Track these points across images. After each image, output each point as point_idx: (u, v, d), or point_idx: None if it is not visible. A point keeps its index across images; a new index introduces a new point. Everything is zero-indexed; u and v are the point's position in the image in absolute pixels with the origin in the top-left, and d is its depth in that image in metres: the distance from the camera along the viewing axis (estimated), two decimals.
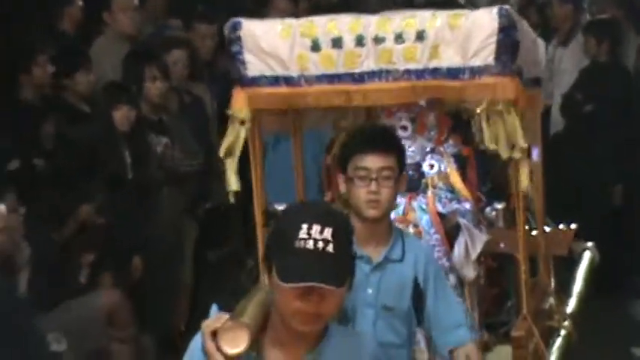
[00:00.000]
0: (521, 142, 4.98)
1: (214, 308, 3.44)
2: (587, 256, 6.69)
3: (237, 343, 3.17)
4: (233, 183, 5.36)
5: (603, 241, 9.81)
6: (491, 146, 5.01)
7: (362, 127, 5.14)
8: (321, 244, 3.21)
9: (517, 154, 5.05)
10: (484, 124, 5.01)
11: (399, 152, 4.80)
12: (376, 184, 4.62)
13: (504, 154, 5.03)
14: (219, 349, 3.18)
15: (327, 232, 3.22)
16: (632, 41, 10.51)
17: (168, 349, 7.89)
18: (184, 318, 8.42)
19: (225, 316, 3.26)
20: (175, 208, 8.26)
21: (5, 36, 8.33)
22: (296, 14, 8.23)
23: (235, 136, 5.28)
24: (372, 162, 4.64)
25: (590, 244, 6.81)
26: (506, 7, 5.11)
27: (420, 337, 5.20)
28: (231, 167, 5.33)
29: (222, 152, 5.32)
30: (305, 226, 3.22)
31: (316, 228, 3.21)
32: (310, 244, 3.21)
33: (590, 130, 9.85)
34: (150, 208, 8.06)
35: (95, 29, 9.03)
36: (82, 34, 8.99)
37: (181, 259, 8.18)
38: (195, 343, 3.34)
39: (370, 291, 4.68)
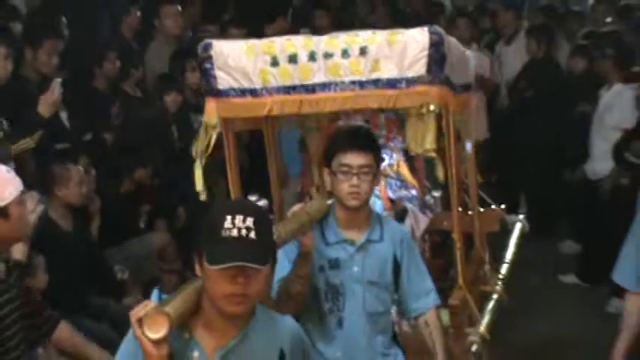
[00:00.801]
0: (429, 144, 4.80)
1: (155, 293, 3.26)
2: (518, 226, 6.57)
3: (158, 328, 3.00)
4: (199, 184, 5.21)
5: (543, 193, 10.29)
6: (411, 145, 4.88)
7: (346, 129, 4.88)
8: (244, 232, 3.05)
9: (426, 152, 4.90)
10: (408, 126, 4.91)
11: (377, 151, 4.62)
12: (357, 179, 4.44)
13: (416, 150, 4.91)
14: (144, 334, 3.02)
15: (249, 221, 3.07)
16: (564, 46, 10.58)
17: None
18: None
19: (152, 303, 3.09)
20: (209, 169, 8.33)
21: (82, 39, 8.44)
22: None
23: (207, 139, 5.08)
24: (354, 160, 4.46)
25: (521, 216, 6.73)
26: (436, 26, 4.92)
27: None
28: (198, 169, 5.19)
29: (194, 153, 5.17)
30: (229, 217, 3.07)
31: (239, 218, 3.06)
32: (235, 232, 3.05)
33: (530, 109, 10.04)
34: (191, 170, 8.04)
35: (148, 34, 9.17)
36: (138, 37, 9.14)
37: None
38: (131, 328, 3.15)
39: (356, 269, 4.52)
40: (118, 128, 8.14)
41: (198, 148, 5.12)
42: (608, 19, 11.16)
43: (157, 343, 2.99)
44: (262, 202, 5.54)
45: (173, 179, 8.05)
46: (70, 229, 6.67)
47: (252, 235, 3.05)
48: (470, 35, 10.08)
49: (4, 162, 4.53)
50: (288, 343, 3.32)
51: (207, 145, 5.07)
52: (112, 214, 7.40)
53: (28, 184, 5.67)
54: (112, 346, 5.20)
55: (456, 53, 5.13)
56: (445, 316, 5.25)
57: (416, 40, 4.81)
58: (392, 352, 4.68)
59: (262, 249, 3.09)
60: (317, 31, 8.35)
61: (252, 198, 5.56)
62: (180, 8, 9.22)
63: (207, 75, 5.05)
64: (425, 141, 4.79)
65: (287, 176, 5.70)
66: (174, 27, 9.12)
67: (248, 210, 3.12)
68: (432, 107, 4.77)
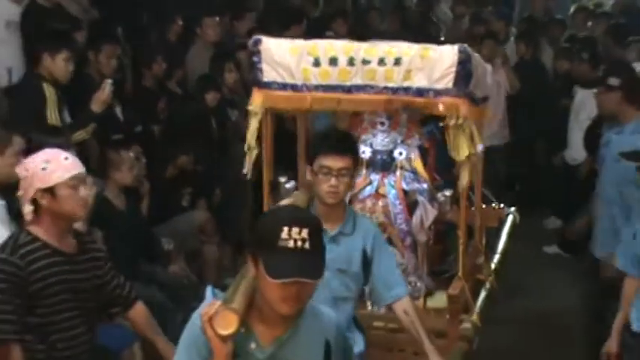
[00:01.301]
0: (466, 152, 4.83)
1: (209, 291, 3.09)
2: (510, 218, 6.46)
3: (228, 325, 2.91)
4: (248, 171, 5.12)
5: (530, 175, 10.36)
6: (453, 153, 4.85)
7: (327, 133, 4.65)
8: (299, 244, 2.87)
9: (464, 159, 4.91)
10: (449, 136, 4.86)
11: (355, 154, 4.42)
12: (336, 180, 4.26)
13: (458, 158, 4.90)
14: (214, 331, 2.92)
15: (305, 233, 2.89)
16: (547, 49, 10.56)
17: (238, 250, 7.92)
18: (248, 229, 8.17)
19: (218, 303, 2.97)
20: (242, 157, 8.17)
21: (134, 45, 8.44)
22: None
23: (252, 126, 5.01)
24: (334, 163, 4.26)
25: (512, 209, 6.56)
26: (465, 45, 4.88)
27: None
28: (250, 158, 5.08)
29: (246, 143, 5.08)
30: (286, 229, 2.88)
31: (295, 230, 2.88)
32: (291, 243, 2.87)
33: (518, 103, 9.95)
34: (227, 157, 8.02)
35: (190, 39, 9.15)
36: (182, 42, 9.11)
37: (245, 190, 8.03)
38: (193, 322, 3.05)
39: (328, 257, 4.11)
40: (163, 121, 8.12)
41: (249, 136, 5.09)
42: (589, 24, 11.16)
43: (225, 339, 2.92)
44: (291, 184, 5.45)
45: (211, 165, 8.03)
46: (123, 208, 6.67)
47: (307, 245, 2.88)
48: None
49: (67, 149, 4.53)
50: (333, 336, 3.19)
51: (253, 132, 4.99)
52: (159, 195, 7.38)
53: (92, 169, 5.93)
54: (159, 306, 5.38)
55: (480, 69, 5.09)
56: (442, 299, 5.27)
57: (446, 56, 4.82)
58: (352, 336, 4.46)
59: (316, 260, 2.93)
60: (336, 37, 8.13)
61: (282, 179, 5.47)
62: (217, 19, 9.25)
63: (255, 67, 4.99)
64: (463, 149, 4.83)
65: None
66: (213, 34, 9.11)
67: (304, 221, 2.93)
68: (460, 120, 4.77)
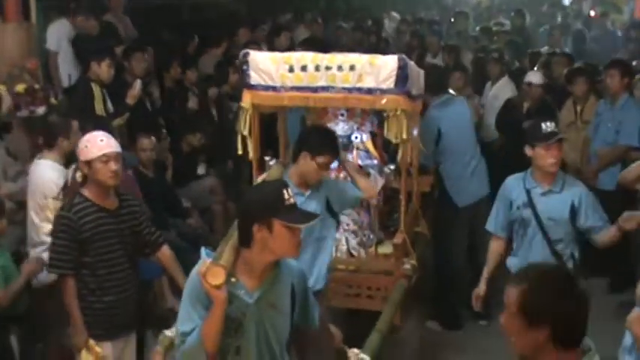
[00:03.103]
0: (404, 135, 4.63)
1: (203, 252, 2.96)
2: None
3: (218, 277, 2.80)
4: (239, 149, 4.86)
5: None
6: (390, 136, 4.69)
7: (315, 130, 4.58)
8: (292, 200, 2.88)
9: (401, 140, 4.70)
10: (387, 124, 4.68)
11: (337, 150, 4.34)
12: (325, 170, 4.27)
13: (396, 140, 4.72)
14: (208, 283, 2.81)
15: (290, 192, 2.89)
16: (469, 55, 9.86)
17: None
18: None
19: (209, 261, 2.87)
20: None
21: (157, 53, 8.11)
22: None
23: (243, 118, 4.80)
24: (329, 161, 4.25)
25: None
26: (403, 55, 4.73)
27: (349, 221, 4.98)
28: (242, 142, 4.84)
29: (238, 129, 4.83)
30: (284, 191, 2.86)
31: (287, 191, 2.88)
32: (292, 200, 2.86)
33: None
34: (230, 136, 7.31)
35: (203, 50, 8.81)
36: (196, 52, 8.78)
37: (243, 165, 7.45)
38: (192, 278, 2.93)
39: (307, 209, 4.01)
40: (180, 111, 7.88)
41: (240, 125, 4.85)
42: (495, 38, 10.84)
43: (218, 287, 2.81)
44: (273, 161, 5.18)
45: (216, 142, 7.79)
46: (152, 176, 6.57)
47: (294, 200, 2.88)
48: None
49: (110, 133, 4.43)
50: (296, 279, 3.06)
51: (244, 123, 4.82)
52: (180, 165, 7.29)
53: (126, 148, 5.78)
54: (179, 249, 5.11)
55: (414, 73, 4.92)
56: (389, 247, 5.17)
57: (389, 63, 4.63)
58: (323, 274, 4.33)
59: (305, 210, 3.07)
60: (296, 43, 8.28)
61: (267, 158, 5.26)
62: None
63: (244, 74, 4.80)
64: (401, 133, 4.63)
65: (289, 143, 5.29)
66: (218, 50, 8.89)
67: (286, 185, 2.92)
68: (398, 111, 4.59)
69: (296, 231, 2.82)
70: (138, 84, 6.62)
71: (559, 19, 14.59)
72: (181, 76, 7.97)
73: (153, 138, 6.55)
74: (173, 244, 4.96)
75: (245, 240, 2.86)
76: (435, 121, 5.83)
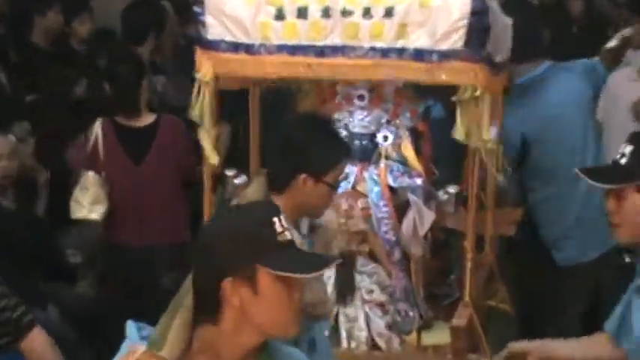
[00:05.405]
0: (485, 134, 3.16)
1: (131, 327, 1.95)
2: None
3: None
4: (212, 157, 3.37)
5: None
6: (459, 134, 3.14)
7: (314, 130, 3.12)
8: (288, 234, 1.97)
9: (482, 144, 3.22)
10: (460, 112, 3.14)
11: (349, 148, 3.18)
12: None
13: (474, 143, 3.21)
14: None
15: (284, 221, 1.98)
16: None
17: None
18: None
19: (142, 348, 1.90)
20: None
21: None
22: None
23: (202, 98, 3.32)
24: (335, 174, 2.94)
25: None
26: None
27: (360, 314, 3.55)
28: (207, 141, 3.34)
29: (193, 116, 3.34)
30: (276, 220, 1.95)
31: (277, 219, 1.95)
32: (288, 235, 1.96)
33: None
34: None
35: None
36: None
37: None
38: None
39: None
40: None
41: (196, 112, 3.30)
42: None
43: None
44: (241, 179, 3.61)
45: None
46: (11, 207, 4.37)
47: (289, 235, 1.96)
48: None
49: None
50: None
51: (203, 108, 3.29)
52: (63, 187, 4.67)
53: None
54: (62, 337, 3.69)
55: (498, 24, 3.30)
56: (443, 333, 3.57)
57: (454, 4, 3.08)
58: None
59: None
60: None
61: (229, 173, 3.62)
62: None
63: (197, 20, 3.31)
64: (482, 130, 3.10)
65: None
66: None
67: (276, 209, 1.96)
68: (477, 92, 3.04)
69: (296, 286, 1.94)
70: None
71: None
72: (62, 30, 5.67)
73: (10, 136, 4.33)
74: (52, 326, 3.67)
75: (207, 309, 1.97)
76: (515, 118, 4.00)
